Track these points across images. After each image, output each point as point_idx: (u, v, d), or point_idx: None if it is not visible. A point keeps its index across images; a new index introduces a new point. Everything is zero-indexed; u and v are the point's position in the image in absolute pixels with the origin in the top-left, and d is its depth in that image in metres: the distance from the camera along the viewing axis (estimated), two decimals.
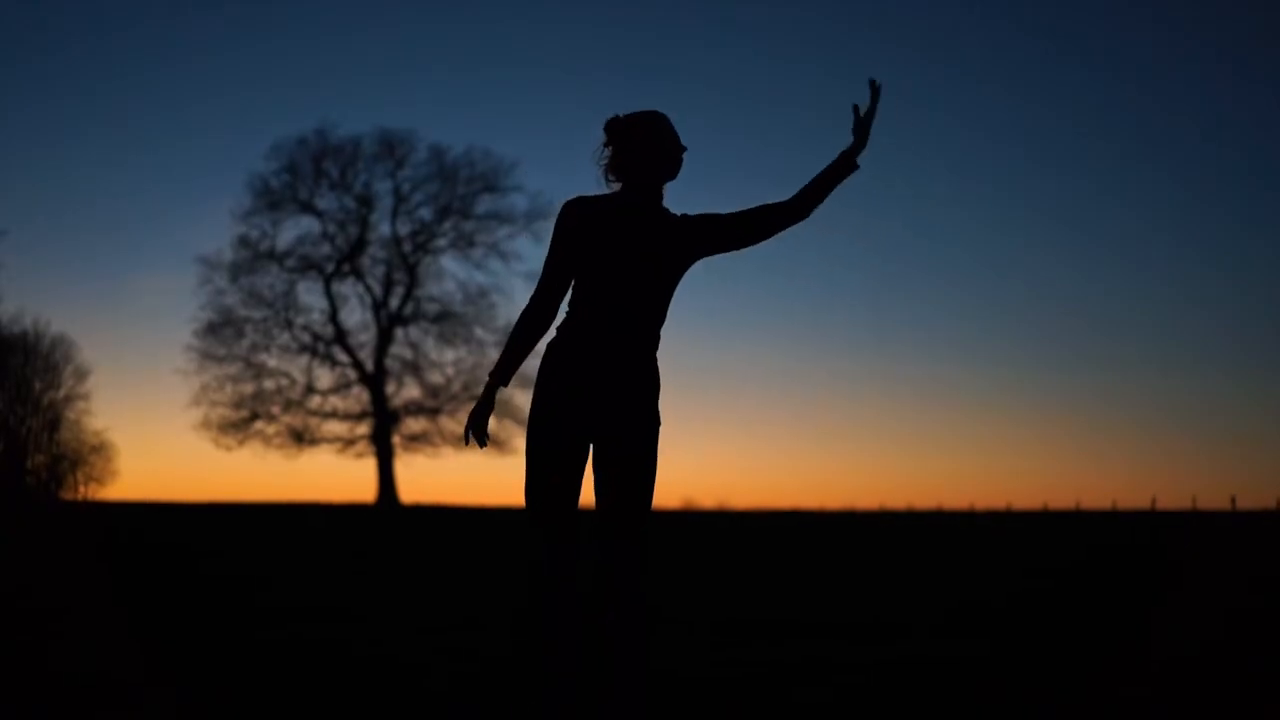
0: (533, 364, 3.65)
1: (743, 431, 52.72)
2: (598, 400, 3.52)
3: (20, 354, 30.98)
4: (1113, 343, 50.98)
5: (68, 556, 12.29)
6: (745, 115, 49.22)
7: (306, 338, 43.70)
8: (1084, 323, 51.18)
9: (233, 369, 42.70)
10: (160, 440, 52.37)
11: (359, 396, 43.70)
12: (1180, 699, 4.62)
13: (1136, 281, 50.12)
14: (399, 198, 43.87)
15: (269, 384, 42.98)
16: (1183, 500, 33.02)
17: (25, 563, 11.25)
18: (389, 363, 43.81)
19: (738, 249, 3.72)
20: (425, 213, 44.21)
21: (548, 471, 3.53)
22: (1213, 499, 47.29)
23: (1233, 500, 27.18)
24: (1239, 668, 5.38)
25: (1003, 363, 51.76)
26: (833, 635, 6.45)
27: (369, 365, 43.64)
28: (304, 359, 43.55)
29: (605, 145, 3.65)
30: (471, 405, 3.57)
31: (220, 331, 42.69)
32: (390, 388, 43.57)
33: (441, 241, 44.33)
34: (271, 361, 43.20)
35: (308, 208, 43.49)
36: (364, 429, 43.51)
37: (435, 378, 43.80)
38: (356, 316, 44.13)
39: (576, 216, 3.60)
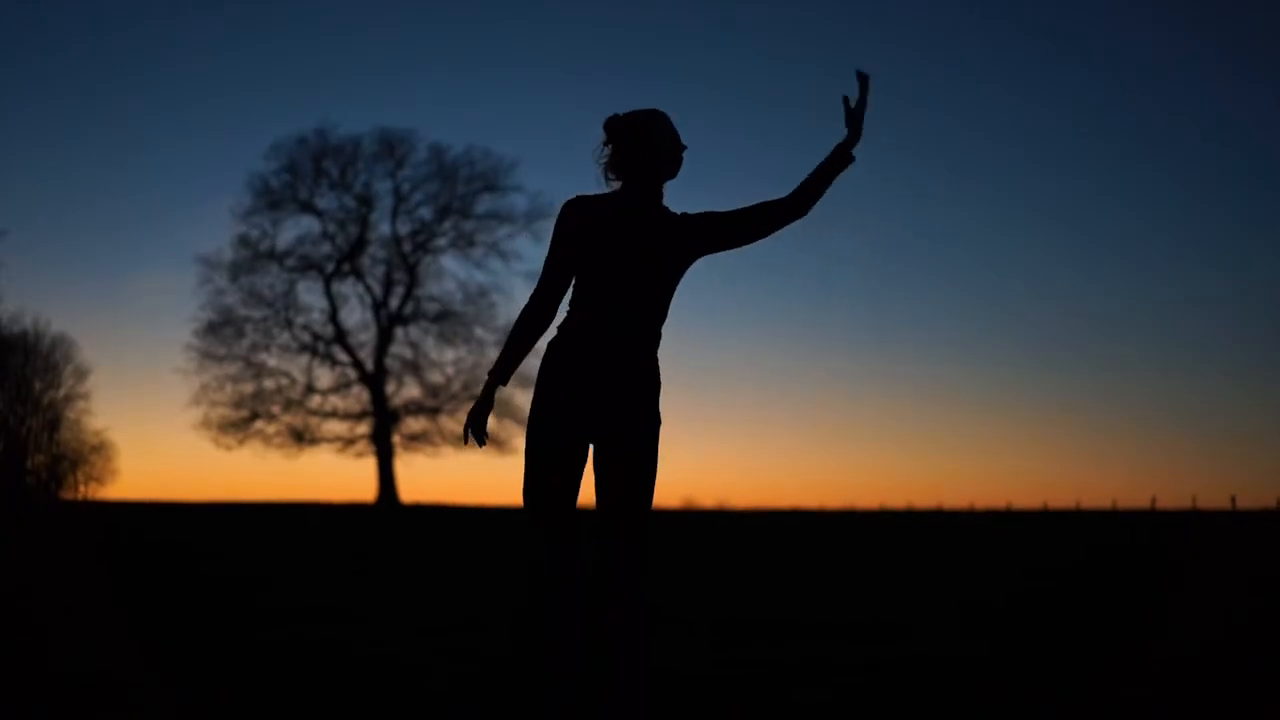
0: (533, 363, 3.65)
1: (742, 431, 52.76)
2: (598, 399, 3.52)
3: (20, 354, 30.96)
4: (1113, 343, 51.01)
5: (68, 556, 12.28)
6: (745, 115, 49.24)
7: (306, 337, 43.75)
8: (1084, 323, 51.21)
9: (233, 368, 42.75)
10: (160, 440, 52.39)
11: (359, 396, 43.76)
12: (1180, 699, 4.62)
13: (1136, 281, 50.15)
14: (399, 197, 43.92)
15: (269, 383, 43.04)
16: (1183, 500, 33.02)
17: (25, 563, 11.25)
18: (389, 362, 43.86)
19: (738, 247, 3.71)
20: (425, 212, 44.26)
21: (547, 471, 3.52)
22: (1213, 499, 47.24)
23: (1233, 500, 27.18)
24: (1239, 667, 5.38)
25: (1003, 363, 51.79)
26: (833, 635, 6.45)
27: (369, 365, 43.67)
28: (304, 358, 43.61)
29: (605, 144, 3.65)
30: (471, 405, 3.57)
31: (220, 331, 42.75)
32: (390, 387, 43.62)
33: (441, 241, 44.38)
34: (271, 361, 43.26)
35: (308, 207, 43.53)
36: (364, 428, 43.56)
37: (435, 377, 43.85)
38: (356, 316, 44.19)
39: (577, 216, 3.59)
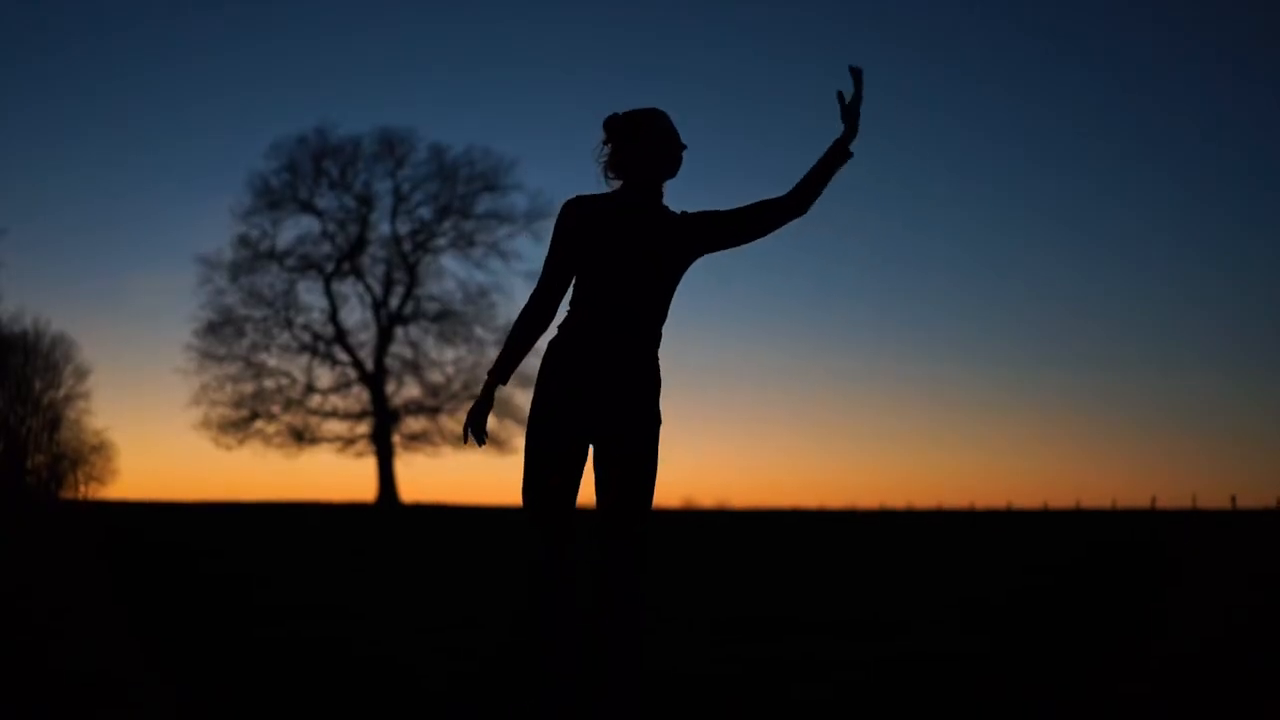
0: (533, 363, 3.65)
1: (742, 430, 52.79)
2: (598, 399, 3.52)
3: (20, 353, 30.96)
4: (1113, 343, 51.03)
5: (68, 556, 12.28)
6: (745, 115, 49.28)
7: (306, 337, 43.77)
8: (1084, 323, 51.25)
9: (233, 368, 42.78)
10: (160, 440, 52.42)
11: (359, 396, 43.78)
12: (1180, 695, 4.62)
13: (1136, 281, 50.18)
14: (399, 197, 43.94)
15: (269, 383, 43.07)
16: (1183, 499, 33.08)
17: (25, 563, 11.25)
18: (389, 362, 43.88)
19: (738, 245, 3.72)
20: (425, 212, 44.29)
21: (547, 472, 3.52)
22: (1213, 498, 47.27)
23: (1233, 499, 27.22)
24: (1239, 664, 5.38)
25: (1003, 363, 51.82)
26: (832, 633, 6.45)
27: (369, 364, 43.68)
28: (304, 358, 43.63)
29: (605, 143, 3.65)
30: (471, 404, 3.57)
31: (220, 331, 42.76)
32: (390, 387, 43.64)
33: (441, 241, 44.41)
34: (271, 361, 43.29)
35: (308, 207, 43.55)
36: (364, 428, 43.58)
37: (435, 377, 43.88)
38: (356, 316, 44.22)
39: (576, 215, 3.59)
